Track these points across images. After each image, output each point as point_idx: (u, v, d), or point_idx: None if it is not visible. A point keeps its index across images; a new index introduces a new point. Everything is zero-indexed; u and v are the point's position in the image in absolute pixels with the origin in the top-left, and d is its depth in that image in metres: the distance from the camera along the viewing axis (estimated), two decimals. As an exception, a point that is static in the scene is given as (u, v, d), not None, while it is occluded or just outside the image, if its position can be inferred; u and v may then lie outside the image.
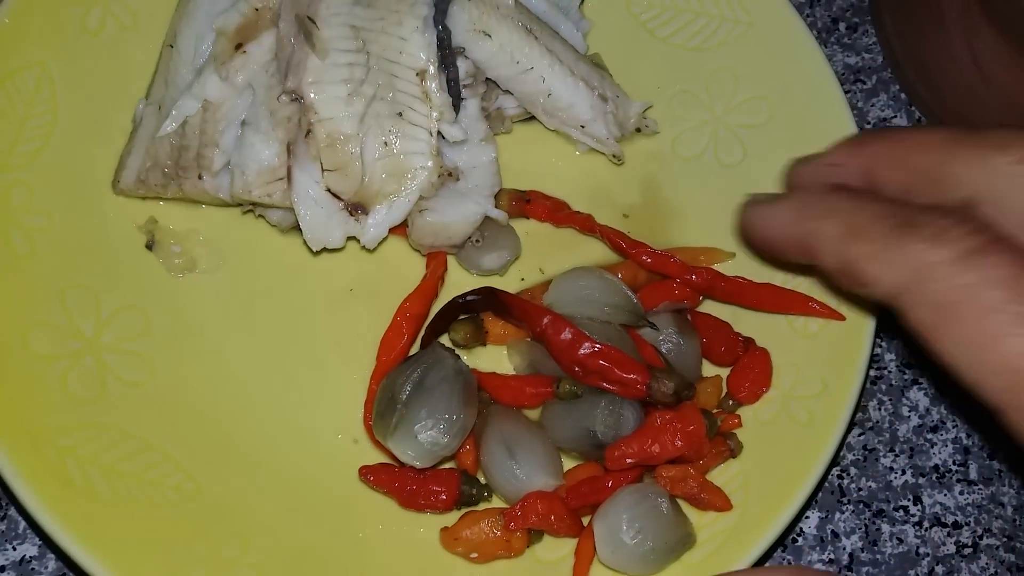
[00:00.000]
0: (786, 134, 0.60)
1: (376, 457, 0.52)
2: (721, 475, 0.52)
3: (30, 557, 0.51)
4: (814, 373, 0.54)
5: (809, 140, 0.60)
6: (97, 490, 0.46)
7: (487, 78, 0.57)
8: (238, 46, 0.54)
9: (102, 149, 0.55)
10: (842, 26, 0.72)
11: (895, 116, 0.69)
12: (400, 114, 0.53)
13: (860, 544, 0.58)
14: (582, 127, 0.58)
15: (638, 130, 0.61)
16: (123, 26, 0.57)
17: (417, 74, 0.53)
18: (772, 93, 0.61)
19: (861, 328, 0.54)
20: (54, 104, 0.54)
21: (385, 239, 0.54)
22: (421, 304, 0.54)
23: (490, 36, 0.55)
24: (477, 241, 0.55)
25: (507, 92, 0.59)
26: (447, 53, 0.54)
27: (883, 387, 0.63)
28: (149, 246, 0.54)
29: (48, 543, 0.52)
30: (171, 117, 0.53)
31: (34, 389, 0.48)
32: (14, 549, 0.51)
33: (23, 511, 0.51)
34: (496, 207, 0.56)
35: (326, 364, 0.54)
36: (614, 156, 0.60)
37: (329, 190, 0.52)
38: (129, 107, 0.55)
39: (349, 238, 0.54)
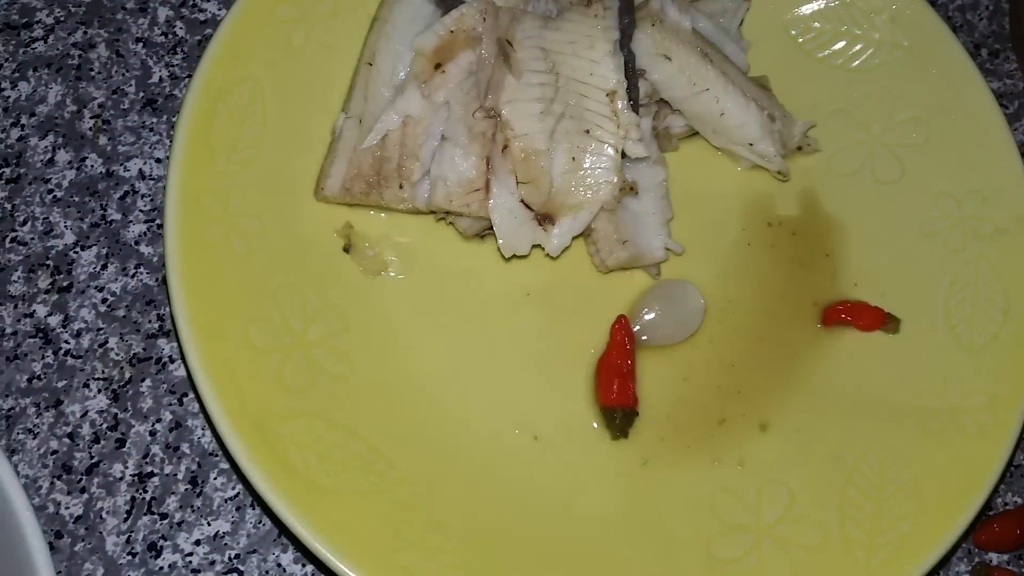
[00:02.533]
0: (945, 154, 0.63)
1: (554, 456, 0.55)
2: (890, 485, 0.54)
3: (223, 533, 0.55)
4: (981, 386, 0.56)
5: (969, 160, 0.62)
6: (316, 475, 0.50)
7: (660, 99, 0.60)
8: (437, 65, 0.57)
9: (303, 158, 0.58)
10: (984, 52, 0.74)
11: (1039, 139, 0.71)
12: (587, 131, 0.56)
13: (1007, 558, 0.60)
14: (750, 145, 0.61)
15: (799, 148, 0.63)
16: (323, 45, 0.61)
17: (607, 94, 0.56)
18: (930, 114, 0.64)
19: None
20: (264, 116, 0.58)
21: (567, 248, 0.57)
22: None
23: (670, 59, 0.58)
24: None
25: (676, 112, 0.61)
26: (631, 74, 0.57)
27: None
28: (346, 249, 0.58)
29: (274, 521, 0.55)
30: (375, 130, 0.57)
31: (257, 380, 0.52)
32: (209, 525, 0.55)
33: (251, 490, 0.54)
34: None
35: (504, 363, 0.57)
36: (779, 173, 0.62)
37: (522, 201, 0.56)
38: (327, 120, 0.59)
39: (534, 246, 0.57)
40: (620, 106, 0.57)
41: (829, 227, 0.62)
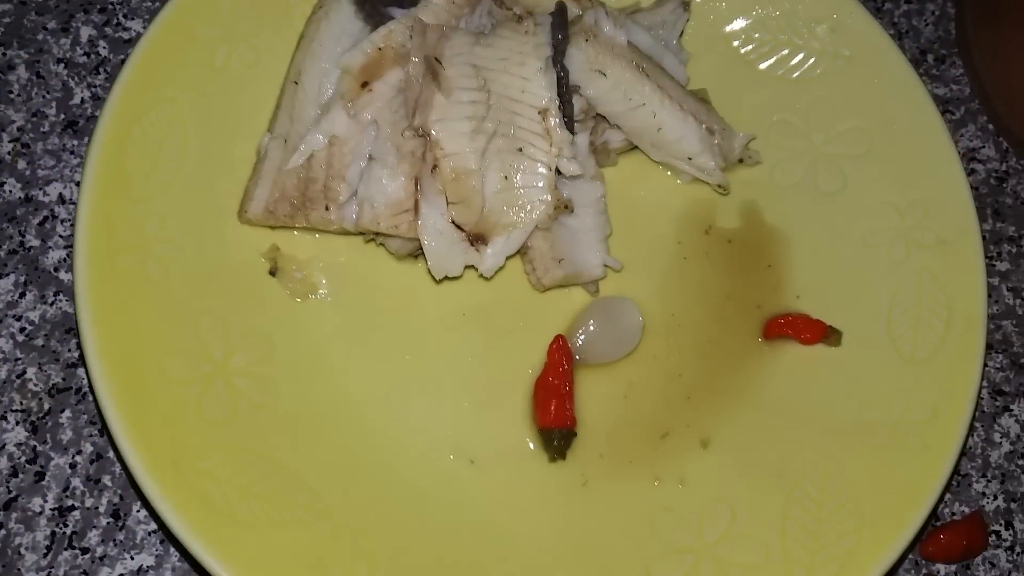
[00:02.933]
0: (888, 164, 0.62)
1: (491, 480, 0.54)
2: (833, 501, 0.53)
3: (147, 567, 0.53)
4: (923, 399, 0.55)
5: (911, 170, 0.61)
6: (235, 510, 0.48)
7: (597, 113, 0.59)
8: (364, 84, 0.56)
9: (226, 179, 0.57)
10: (930, 58, 0.73)
11: (983, 146, 0.70)
12: (520, 150, 0.55)
13: (954, 569, 0.59)
14: (689, 159, 0.60)
15: (740, 160, 0.62)
16: (247, 64, 0.59)
17: (539, 112, 0.55)
18: (872, 124, 0.63)
19: (972, 353, 0.55)
20: (184, 138, 0.56)
21: (502, 267, 0.56)
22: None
23: (605, 75, 0.57)
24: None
25: (614, 126, 0.60)
26: (565, 91, 0.56)
27: (975, 414, 0.64)
28: (272, 272, 0.56)
29: (188, 558, 0.53)
30: (299, 152, 0.56)
31: (173, 412, 0.50)
32: (132, 559, 0.53)
33: (163, 527, 0.53)
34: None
35: (441, 386, 0.56)
36: (720, 186, 0.61)
37: (453, 222, 0.54)
38: (251, 140, 0.57)
39: (467, 267, 0.56)
40: (553, 124, 0.55)
41: (771, 239, 0.62)
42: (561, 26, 0.58)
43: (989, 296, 0.61)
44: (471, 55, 0.57)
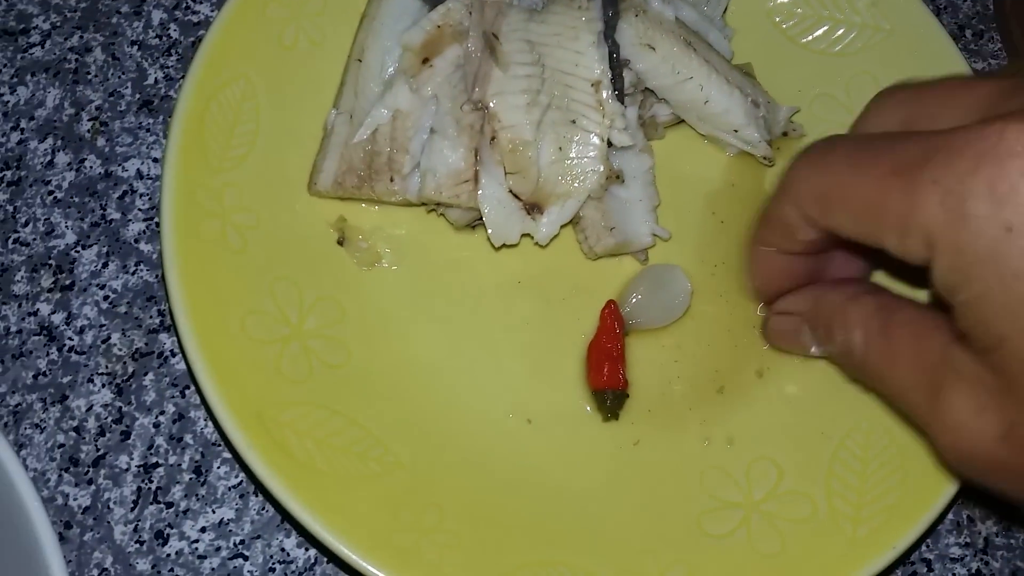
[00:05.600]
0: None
1: (548, 438, 0.56)
2: (877, 458, 0.55)
3: (228, 520, 0.57)
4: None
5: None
6: (315, 461, 0.51)
7: (645, 88, 0.61)
8: (424, 60, 0.58)
9: (296, 153, 0.60)
10: (968, 33, 0.75)
11: None
12: (574, 121, 0.58)
13: (994, 529, 0.61)
14: (735, 131, 0.62)
15: (784, 134, 0.64)
16: (313, 42, 0.62)
17: (592, 85, 0.57)
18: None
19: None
20: (257, 113, 0.59)
21: (556, 236, 0.58)
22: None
23: (654, 49, 0.59)
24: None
25: (662, 100, 0.63)
26: (616, 65, 0.59)
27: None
28: (340, 242, 0.59)
29: (276, 507, 0.57)
30: (365, 125, 0.58)
31: (255, 370, 0.53)
32: (213, 512, 0.57)
33: (252, 478, 0.56)
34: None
35: (498, 350, 0.59)
36: (765, 158, 0.63)
37: (510, 191, 0.57)
38: (319, 115, 0.60)
39: (523, 235, 0.58)
40: (605, 96, 0.58)
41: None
42: (612, 2, 0.60)
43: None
44: (526, 31, 0.59)
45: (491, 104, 0.58)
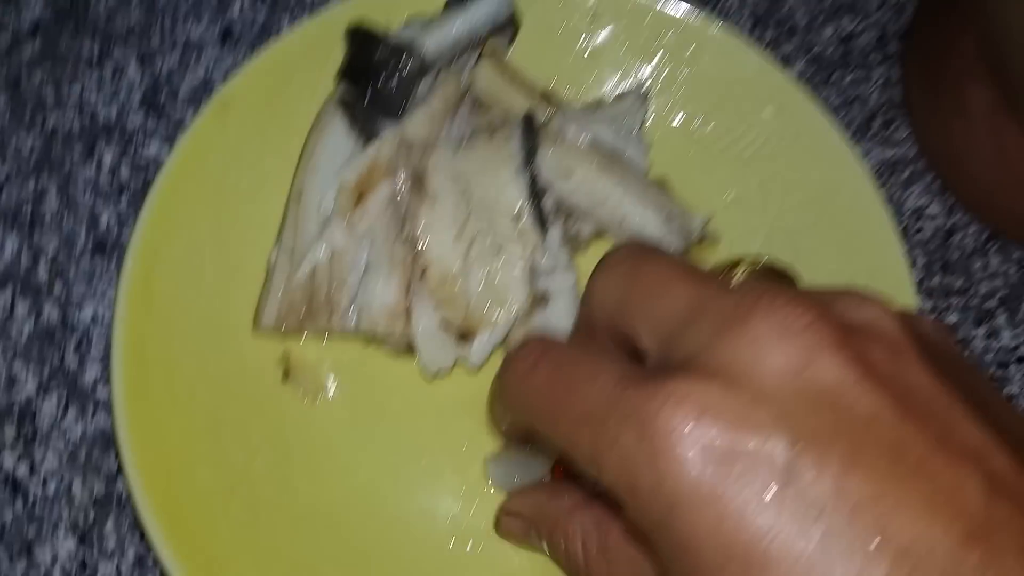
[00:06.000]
0: (832, 234, 0.68)
1: (490, 562, 0.59)
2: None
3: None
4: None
5: (853, 240, 0.67)
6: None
7: (567, 208, 0.66)
8: (359, 198, 0.62)
9: (242, 293, 0.63)
10: (878, 122, 0.79)
11: (930, 203, 0.76)
12: (499, 250, 0.62)
13: None
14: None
15: (700, 240, 0.68)
16: (255, 184, 0.65)
17: (514, 215, 0.61)
18: (817, 196, 0.69)
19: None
20: (203, 257, 0.63)
21: (487, 360, 0.62)
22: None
23: (571, 175, 0.64)
24: None
25: (585, 218, 0.67)
26: (536, 193, 0.63)
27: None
28: (285, 377, 0.63)
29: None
30: (304, 264, 0.62)
31: (204, 519, 0.55)
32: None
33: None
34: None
35: (440, 474, 0.62)
36: (683, 268, 0.67)
37: (442, 321, 0.61)
38: (263, 255, 0.64)
39: (457, 362, 0.62)
40: (526, 225, 0.62)
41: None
42: (530, 135, 0.64)
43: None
44: (452, 166, 0.63)
45: (420, 238, 0.62)
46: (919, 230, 0.76)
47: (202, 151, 0.65)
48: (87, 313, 0.68)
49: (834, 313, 0.35)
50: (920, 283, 0.73)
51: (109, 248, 0.70)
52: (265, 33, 0.78)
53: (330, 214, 0.64)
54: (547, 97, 0.69)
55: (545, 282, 0.64)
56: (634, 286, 0.41)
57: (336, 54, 0.66)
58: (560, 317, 0.64)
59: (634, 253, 0.44)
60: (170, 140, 0.73)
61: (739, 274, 0.43)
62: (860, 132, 0.79)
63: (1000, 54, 0.68)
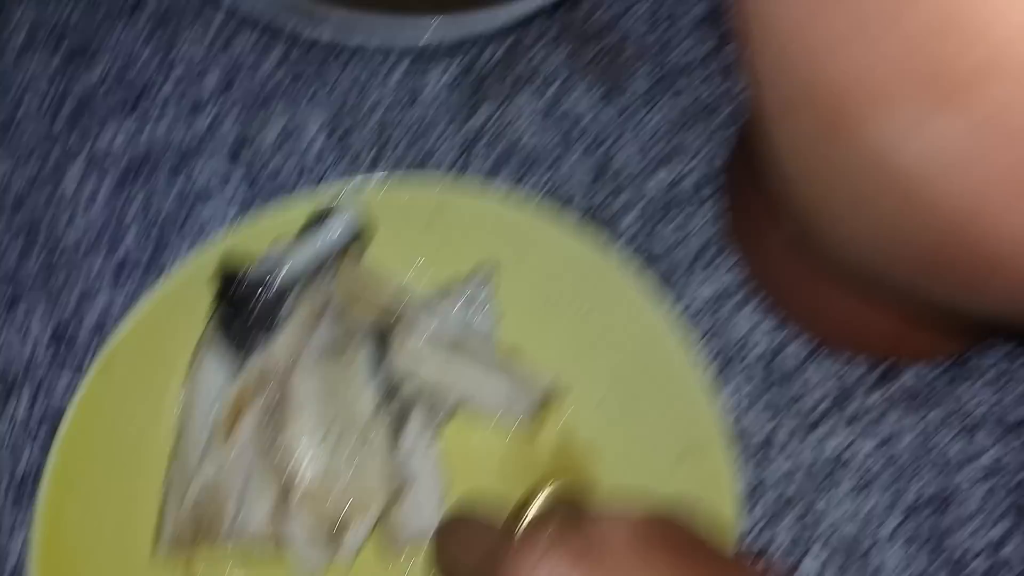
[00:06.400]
0: (652, 388, 0.77)
1: None
2: None
3: None
4: None
5: (669, 399, 0.76)
6: None
7: (423, 395, 0.74)
8: (237, 413, 0.71)
9: (145, 518, 0.71)
10: (708, 255, 0.88)
11: (763, 321, 0.85)
12: (361, 447, 0.70)
13: None
14: (501, 414, 0.75)
15: (549, 399, 0.77)
16: (150, 419, 0.74)
17: (373, 412, 0.70)
18: (636, 352, 0.78)
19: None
20: (108, 494, 0.71)
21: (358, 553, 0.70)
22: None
23: (421, 369, 0.73)
24: None
25: (444, 396, 0.75)
26: (389, 392, 0.72)
27: None
28: (190, 585, 0.70)
29: None
30: (193, 482, 0.71)
31: None
32: None
33: None
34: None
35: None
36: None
37: (313, 524, 0.69)
38: (159, 483, 0.72)
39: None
40: (385, 420, 0.71)
41: (587, 449, 0.76)
42: (379, 340, 0.73)
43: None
44: (315, 375, 0.72)
45: (291, 444, 0.70)
46: (755, 345, 0.84)
47: (96, 401, 0.73)
48: (11, 559, 0.76)
49: (574, 549, 0.47)
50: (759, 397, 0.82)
51: (28, 489, 0.78)
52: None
53: (212, 435, 0.72)
54: (400, 292, 0.79)
55: (408, 465, 0.72)
56: (448, 549, 0.57)
57: (207, 293, 0.75)
58: (425, 494, 0.72)
59: (447, 527, 0.59)
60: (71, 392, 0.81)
61: (528, 516, 0.52)
62: (690, 267, 0.88)
63: (785, 202, 0.77)
